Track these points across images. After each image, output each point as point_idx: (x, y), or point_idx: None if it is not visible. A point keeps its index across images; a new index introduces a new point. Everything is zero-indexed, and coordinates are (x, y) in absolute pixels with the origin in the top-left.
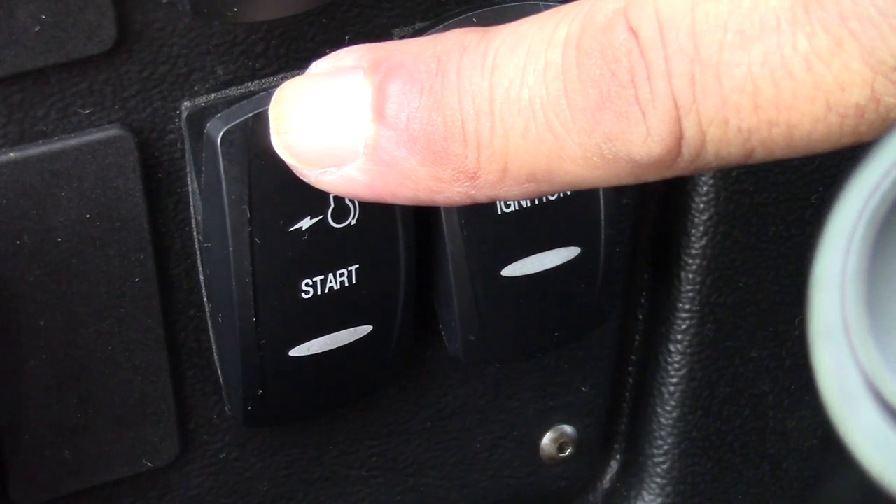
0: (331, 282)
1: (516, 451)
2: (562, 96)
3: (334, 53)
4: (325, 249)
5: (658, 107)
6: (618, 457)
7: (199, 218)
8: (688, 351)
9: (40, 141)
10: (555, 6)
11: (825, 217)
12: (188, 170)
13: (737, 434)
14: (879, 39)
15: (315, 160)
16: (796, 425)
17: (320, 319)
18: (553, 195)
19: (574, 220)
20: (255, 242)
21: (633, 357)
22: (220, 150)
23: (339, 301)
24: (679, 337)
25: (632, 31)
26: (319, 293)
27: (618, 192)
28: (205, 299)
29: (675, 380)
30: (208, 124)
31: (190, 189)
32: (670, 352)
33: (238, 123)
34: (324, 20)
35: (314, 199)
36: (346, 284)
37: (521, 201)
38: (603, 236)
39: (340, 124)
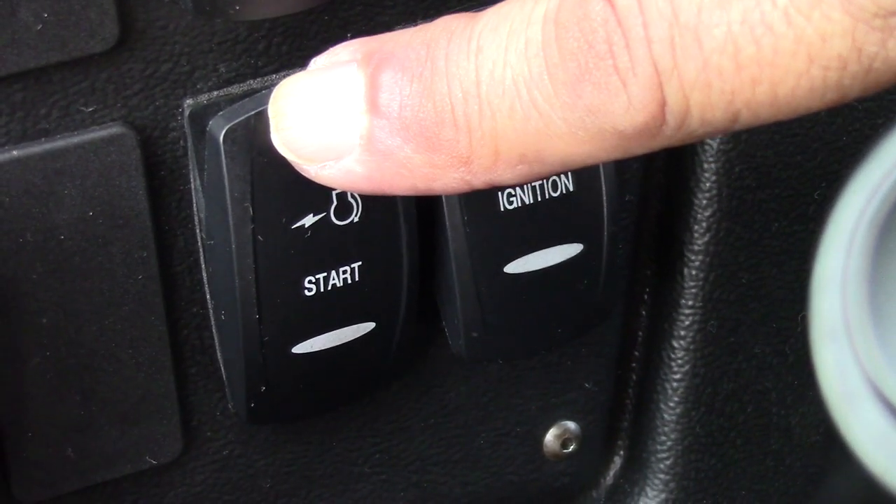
0: (334, 279)
1: (519, 447)
2: (543, 73)
3: (332, 49)
4: (328, 247)
5: (638, 74)
6: (621, 453)
7: (202, 215)
8: (691, 347)
9: (43, 139)
10: None
11: (827, 216)
12: (191, 168)
13: (740, 430)
14: None
15: (314, 155)
16: (799, 421)
17: (323, 316)
18: (556, 192)
19: (577, 217)
20: (258, 240)
21: (637, 353)
22: (222, 148)
23: (341, 298)
24: (682, 333)
25: (608, 0)
26: (322, 290)
27: (621, 189)
28: (208, 297)
29: (678, 376)
30: (211, 122)
31: (192, 187)
32: (673, 348)
33: (240, 121)
34: (325, 18)
35: (317, 196)
36: (349, 282)
37: (524, 197)
38: (606, 233)
39: (336, 117)
